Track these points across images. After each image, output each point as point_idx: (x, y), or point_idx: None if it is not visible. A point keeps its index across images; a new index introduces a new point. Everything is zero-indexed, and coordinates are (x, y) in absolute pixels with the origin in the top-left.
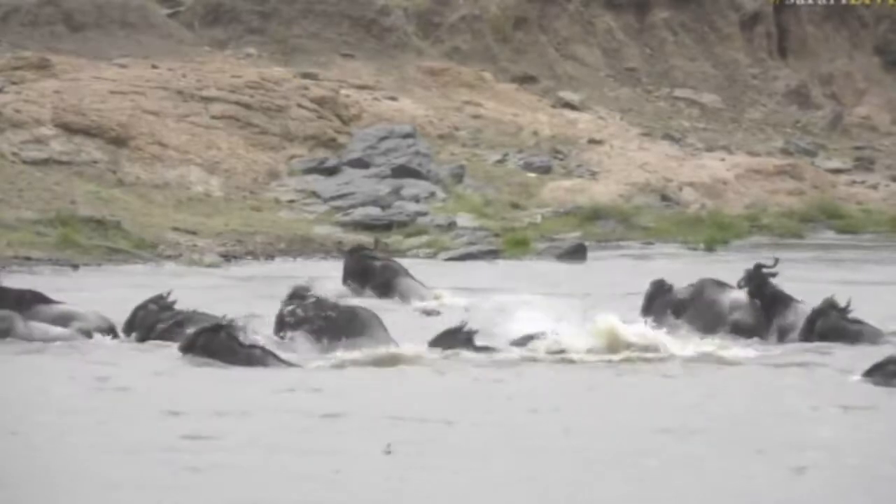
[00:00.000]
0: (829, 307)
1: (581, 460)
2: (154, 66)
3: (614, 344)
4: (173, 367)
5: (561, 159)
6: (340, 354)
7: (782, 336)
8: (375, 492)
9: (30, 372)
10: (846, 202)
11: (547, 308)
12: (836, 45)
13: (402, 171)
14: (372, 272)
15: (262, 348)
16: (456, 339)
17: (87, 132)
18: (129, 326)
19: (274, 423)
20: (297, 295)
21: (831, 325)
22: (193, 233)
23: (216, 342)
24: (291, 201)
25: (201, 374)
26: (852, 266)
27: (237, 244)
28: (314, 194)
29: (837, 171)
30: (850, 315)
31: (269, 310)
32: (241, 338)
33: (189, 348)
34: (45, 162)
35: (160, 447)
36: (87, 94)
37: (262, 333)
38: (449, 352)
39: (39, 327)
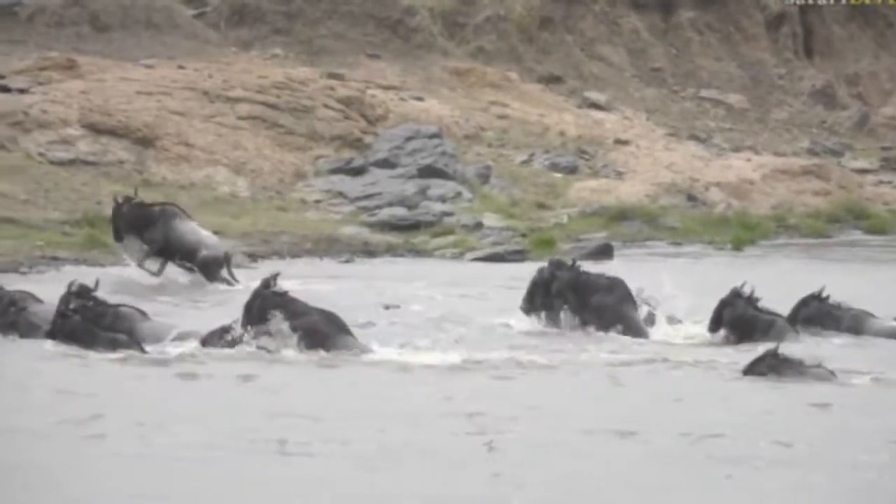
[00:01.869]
0: (736, 297)
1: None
2: (180, 67)
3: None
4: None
5: (587, 159)
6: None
7: None
8: None
9: None
10: (873, 202)
11: None
12: (862, 45)
13: (429, 172)
14: (151, 219)
15: (126, 333)
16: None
17: (113, 133)
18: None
19: None
20: (76, 294)
21: (738, 314)
22: (219, 233)
23: (73, 327)
24: (318, 201)
25: None
26: (883, 265)
27: (263, 244)
28: (340, 194)
29: (864, 172)
30: (761, 306)
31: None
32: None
33: (53, 335)
34: (71, 162)
35: None
36: (114, 94)
37: None
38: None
39: None
